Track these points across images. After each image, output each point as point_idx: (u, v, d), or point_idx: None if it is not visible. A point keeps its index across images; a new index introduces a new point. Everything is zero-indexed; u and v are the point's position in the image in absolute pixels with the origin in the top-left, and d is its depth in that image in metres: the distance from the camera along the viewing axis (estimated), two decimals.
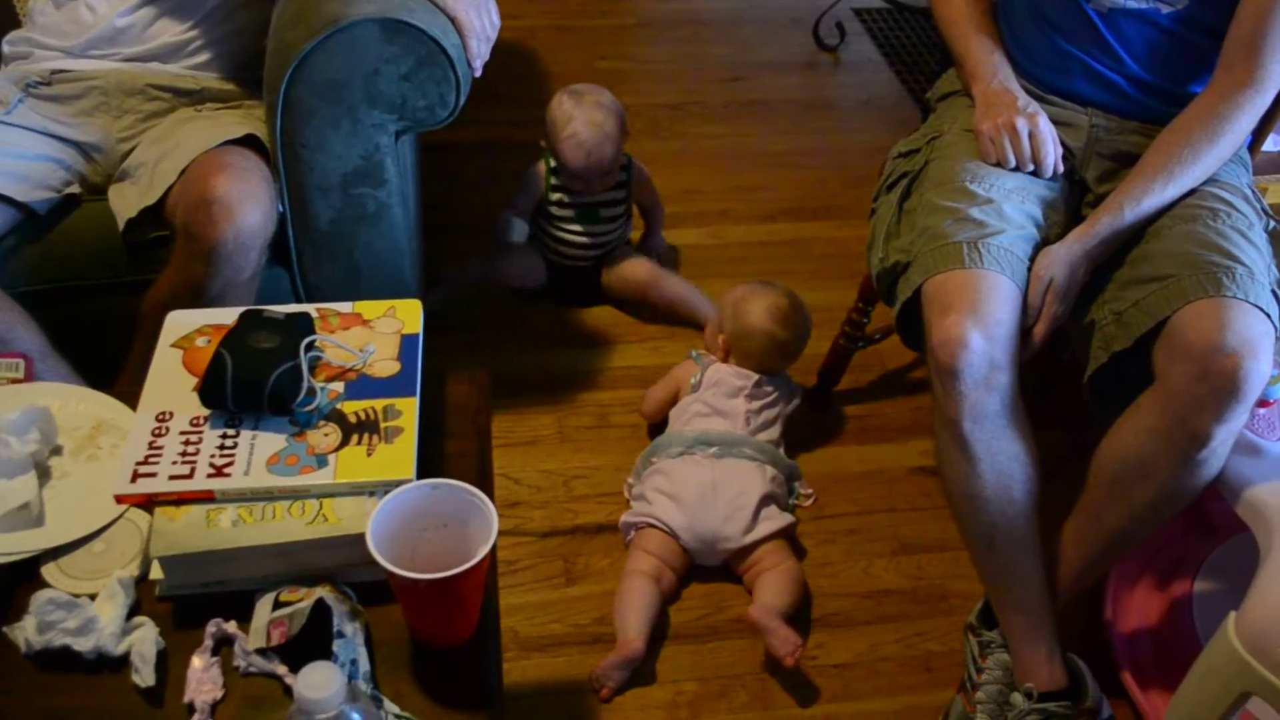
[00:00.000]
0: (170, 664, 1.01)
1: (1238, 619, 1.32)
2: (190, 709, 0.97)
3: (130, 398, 1.18)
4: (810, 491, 1.95)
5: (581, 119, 2.11)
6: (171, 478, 1.06)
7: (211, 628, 1.02)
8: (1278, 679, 1.26)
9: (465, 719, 1.00)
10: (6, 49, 1.76)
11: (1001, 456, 1.46)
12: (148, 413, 1.13)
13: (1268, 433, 1.48)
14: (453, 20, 1.59)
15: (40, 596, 1.00)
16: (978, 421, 1.43)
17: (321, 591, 1.02)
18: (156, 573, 1.06)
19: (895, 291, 1.56)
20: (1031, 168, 1.56)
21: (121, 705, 0.98)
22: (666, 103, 2.99)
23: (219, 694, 0.98)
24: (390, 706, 0.98)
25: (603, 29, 3.31)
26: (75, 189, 1.68)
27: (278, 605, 1.02)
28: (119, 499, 1.08)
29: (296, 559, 1.05)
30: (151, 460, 1.08)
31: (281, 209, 1.63)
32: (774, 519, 1.78)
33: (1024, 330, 1.46)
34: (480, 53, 1.64)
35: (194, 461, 1.08)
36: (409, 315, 1.25)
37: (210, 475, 1.07)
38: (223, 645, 1.02)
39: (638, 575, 1.73)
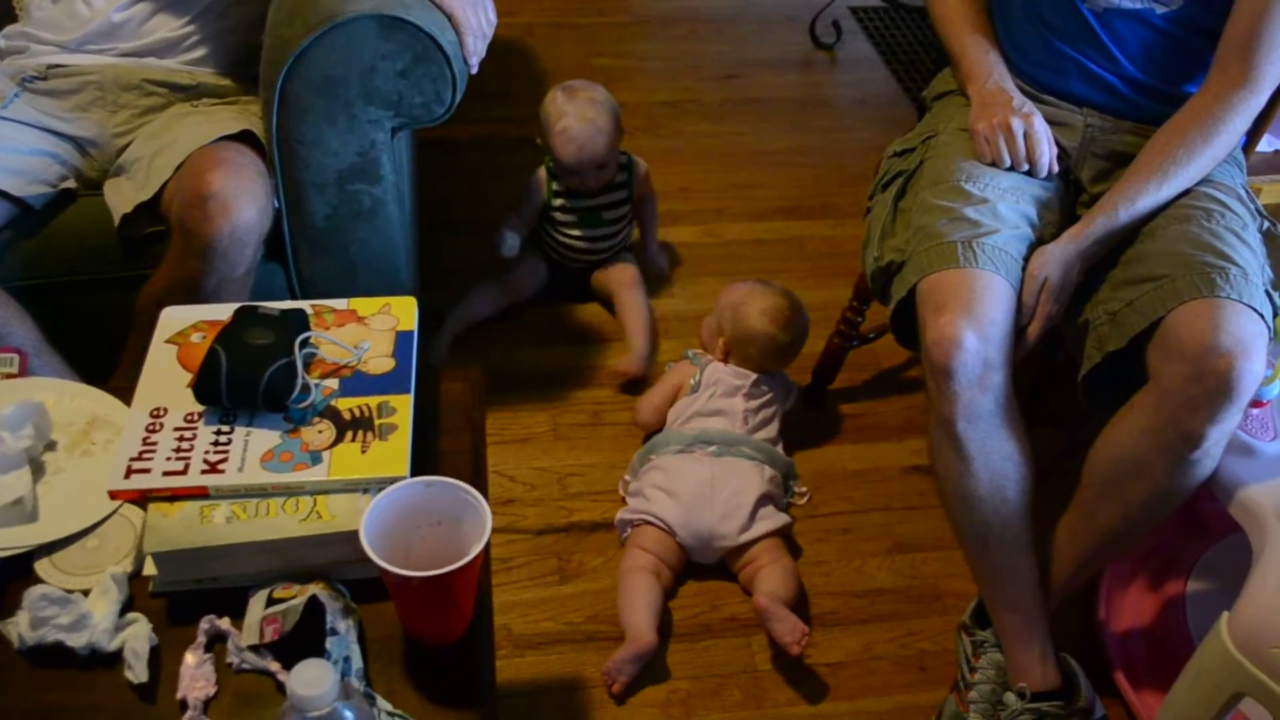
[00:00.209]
0: (163, 660, 1.01)
1: (1231, 619, 1.32)
2: (183, 705, 0.97)
3: (125, 393, 1.18)
4: (805, 490, 1.95)
5: (573, 114, 2.11)
6: (165, 474, 1.06)
7: (205, 624, 1.02)
8: (1270, 679, 1.27)
9: (458, 717, 1.00)
10: (2, 43, 1.75)
11: (995, 456, 1.46)
12: (142, 408, 1.13)
13: (1261, 433, 1.48)
14: (449, 17, 1.59)
15: (33, 592, 1.00)
16: (972, 421, 1.43)
17: (315, 588, 1.02)
18: (150, 569, 1.06)
19: (890, 290, 1.56)
20: (1026, 167, 1.56)
21: (114, 701, 0.98)
22: (663, 100, 2.99)
23: (212, 690, 0.98)
24: (383, 704, 0.98)
25: (599, 26, 3.31)
26: (71, 184, 1.68)
27: (271, 602, 1.02)
28: (113, 495, 1.08)
29: (290, 556, 1.05)
30: (145, 456, 1.08)
31: (277, 205, 1.63)
32: (770, 518, 1.79)
33: (1018, 330, 1.47)
34: (477, 49, 1.63)
35: (188, 457, 1.08)
36: (404, 312, 1.25)
37: (204, 471, 1.06)
38: (216, 642, 1.02)
39: (637, 570, 1.73)
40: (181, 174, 1.55)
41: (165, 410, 1.12)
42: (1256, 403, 1.47)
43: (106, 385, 1.24)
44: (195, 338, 1.20)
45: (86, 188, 1.70)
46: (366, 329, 1.22)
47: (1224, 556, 1.74)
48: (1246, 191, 1.56)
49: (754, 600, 1.67)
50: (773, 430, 1.92)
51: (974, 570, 1.57)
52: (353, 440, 1.10)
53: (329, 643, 0.98)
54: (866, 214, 1.73)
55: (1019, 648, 1.53)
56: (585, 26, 3.30)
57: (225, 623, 1.02)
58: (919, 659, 1.75)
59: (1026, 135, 1.55)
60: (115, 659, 1.00)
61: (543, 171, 2.22)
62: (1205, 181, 1.52)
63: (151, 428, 1.11)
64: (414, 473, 1.07)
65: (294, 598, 1.01)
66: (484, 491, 1.03)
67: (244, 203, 1.51)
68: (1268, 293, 1.40)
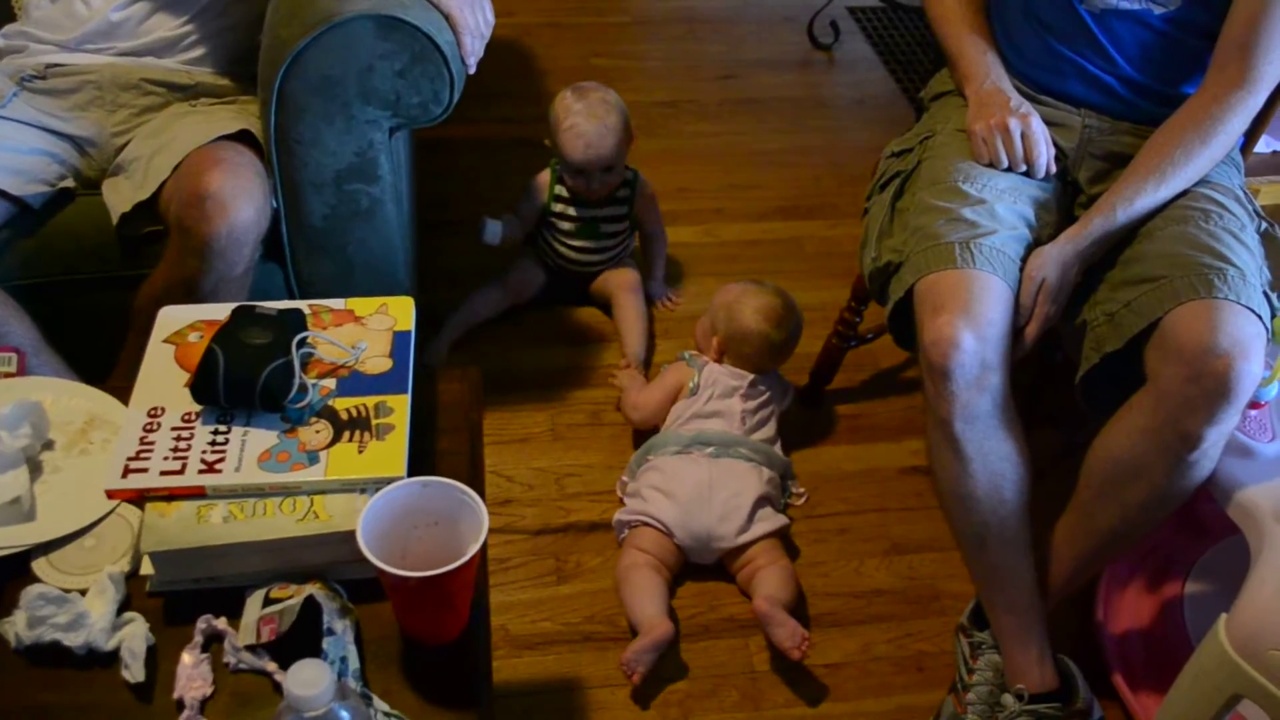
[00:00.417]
0: (160, 660, 1.01)
1: (1229, 621, 1.32)
2: (180, 705, 0.97)
3: (122, 393, 1.18)
4: (802, 491, 1.95)
5: (583, 112, 2.11)
6: (163, 473, 1.06)
7: (202, 624, 1.02)
8: (1269, 681, 1.26)
9: (455, 717, 1.00)
10: (1, 42, 1.75)
11: (993, 456, 1.46)
12: (139, 408, 1.13)
13: (1259, 434, 1.48)
14: (447, 17, 1.59)
15: (31, 591, 1.00)
16: (969, 421, 1.43)
17: (312, 589, 1.02)
18: (147, 568, 1.06)
19: (888, 291, 1.56)
20: (1024, 168, 1.56)
21: (111, 701, 0.98)
22: (661, 100, 2.99)
23: (208, 690, 0.98)
24: (380, 704, 0.98)
25: (598, 26, 3.31)
26: (69, 183, 1.68)
27: (268, 602, 1.02)
28: (110, 494, 1.08)
29: (287, 556, 1.05)
30: (143, 456, 1.08)
31: (275, 205, 1.63)
32: (769, 520, 1.79)
33: (1016, 330, 1.47)
34: (474, 49, 1.63)
35: (185, 457, 1.08)
36: (401, 312, 1.25)
37: (201, 471, 1.06)
38: (213, 642, 1.02)
39: (638, 567, 1.73)
40: (180, 173, 1.55)
41: (163, 410, 1.12)
42: (1254, 404, 1.47)
43: (104, 385, 1.24)
44: (193, 337, 1.20)
45: (85, 187, 1.70)
46: (364, 329, 1.22)
47: (1222, 558, 1.74)
48: (1244, 192, 1.56)
49: (754, 604, 1.67)
50: (770, 430, 1.92)
51: (972, 571, 1.57)
52: (350, 440, 1.10)
53: (326, 643, 0.98)
54: (864, 214, 1.73)
55: (1017, 649, 1.53)
56: (583, 26, 3.30)
57: (222, 622, 1.02)
58: (917, 660, 1.75)
59: (1024, 136, 1.55)
60: (112, 658, 1.00)
61: (546, 174, 2.22)
62: (1203, 182, 1.52)
63: (149, 427, 1.11)
64: (411, 473, 1.07)
65: (291, 598, 1.01)
66: (481, 492, 1.03)
67: (242, 202, 1.51)
68: (1265, 294, 1.40)
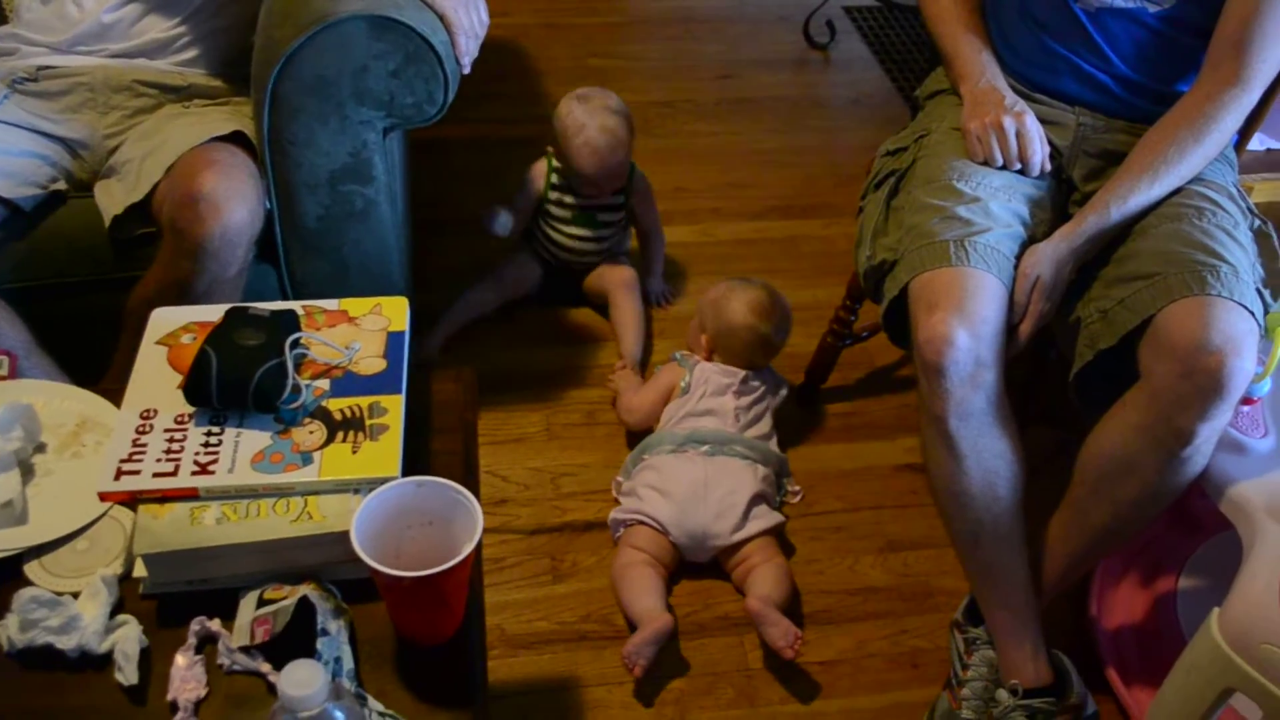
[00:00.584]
0: (154, 662, 1.01)
1: (1221, 615, 1.32)
2: (174, 707, 0.97)
3: (115, 395, 1.18)
4: (797, 488, 1.95)
5: (594, 125, 2.11)
6: (155, 475, 1.06)
7: (195, 626, 1.02)
8: (1261, 675, 1.27)
9: (450, 717, 1.00)
10: None
11: (987, 454, 1.46)
12: (132, 410, 1.13)
13: (1251, 430, 1.48)
14: (441, 17, 1.59)
15: (23, 594, 1.00)
16: (963, 419, 1.43)
17: (305, 589, 1.02)
18: (140, 570, 1.05)
19: (882, 289, 1.57)
20: (1018, 166, 1.56)
21: (104, 703, 0.98)
22: (657, 100, 2.99)
23: (202, 692, 0.98)
24: (374, 704, 0.98)
25: (593, 26, 3.31)
26: (61, 185, 1.67)
27: (262, 603, 1.02)
28: (103, 496, 1.07)
29: (281, 557, 1.05)
30: (135, 458, 1.07)
31: (269, 206, 1.63)
32: (764, 517, 1.79)
33: (1010, 328, 1.47)
34: (469, 50, 1.63)
35: (178, 459, 1.08)
36: (395, 313, 1.25)
37: (194, 473, 1.06)
38: (206, 643, 1.02)
39: (634, 564, 1.73)
40: (172, 175, 1.55)
41: (155, 412, 1.12)
42: (1247, 400, 1.47)
43: (96, 387, 1.24)
44: (185, 339, 1.20)
45: (77, 189, 1.70)
46: (358, 329, 1.22)
47: (1215, 553, 1.74)
48: (1238, 190, 1.57)
49: (746, 604, 1.67)
50: (765, 426, 1.92)
51: (966, 568, 1.57)
52: (344, 441, 1.10)
53: (320, 643, 0.98)
54: (859, 213, 1.73)
55: (1011, 645, 1.53)
56: (579, 27, 3.30)
57: (216, 624, 1.02)
58: (912, 656, 1.75)
59: (1018, 134, 1.55)
60: (105, 661, 1.00)
61: (543, 163, 2.21)
62: (1197, 180, 1.53)
63: (141, 429, 1.10)
64: (405, 473, 1.07)
65: (285, 598, 1.01)
66: (475, 491, 1.03)
67: (235, 204, 1.51)
68: (1258, 290, 1.41)
